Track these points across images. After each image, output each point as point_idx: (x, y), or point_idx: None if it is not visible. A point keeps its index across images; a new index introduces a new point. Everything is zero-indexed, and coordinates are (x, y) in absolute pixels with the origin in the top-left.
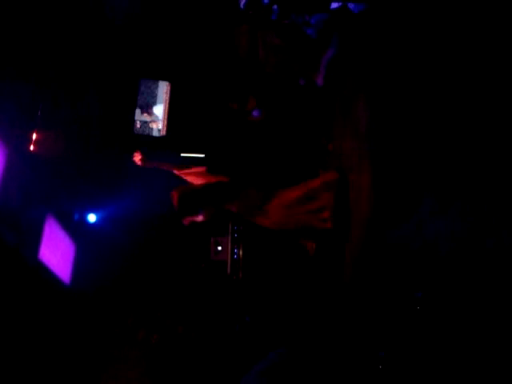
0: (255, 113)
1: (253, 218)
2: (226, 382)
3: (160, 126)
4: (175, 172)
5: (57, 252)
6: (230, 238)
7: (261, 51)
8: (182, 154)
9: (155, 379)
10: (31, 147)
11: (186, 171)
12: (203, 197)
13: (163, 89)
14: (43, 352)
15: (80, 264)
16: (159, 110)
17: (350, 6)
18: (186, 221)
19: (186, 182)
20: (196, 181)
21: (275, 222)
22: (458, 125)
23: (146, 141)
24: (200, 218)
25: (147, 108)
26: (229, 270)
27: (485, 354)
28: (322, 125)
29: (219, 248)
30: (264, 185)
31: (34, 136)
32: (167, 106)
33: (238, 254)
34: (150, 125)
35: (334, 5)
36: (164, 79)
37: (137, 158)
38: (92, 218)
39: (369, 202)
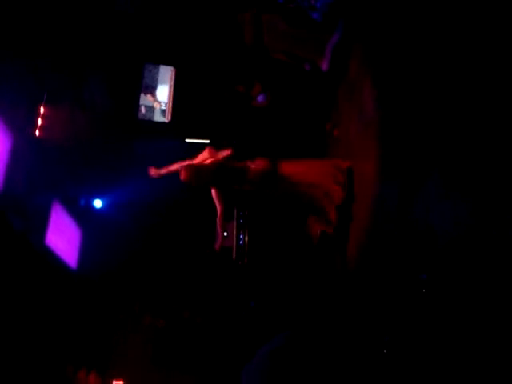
0: (260, 98)
1: (264, 189)
2: (231, 366)
3: (163, 107)
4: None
5: (63, 237)
6: (235, 223)
7: (266, 36)
8: (187, 140)
9: (162, 364)
10: (36, 133)
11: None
12: (213, 174)
13: (168, 73)
14: (50, 337)
15: (86, 249)
16: (164, 93)
17: None
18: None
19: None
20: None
21: (287, 188)
22: (465, 109)
23: (150, 126)
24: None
25: (152, 92)
26: (234, 256)
27: (489, 340)
28: (327, 110)
29: (225, 234)
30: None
31: (40, 121)
32: (172, 91)
33: (244, 240)
34: (155, 105)
35: None
36: (169, 64)
37: (152, 172)
38: (98, 203)
39: (374, 187)
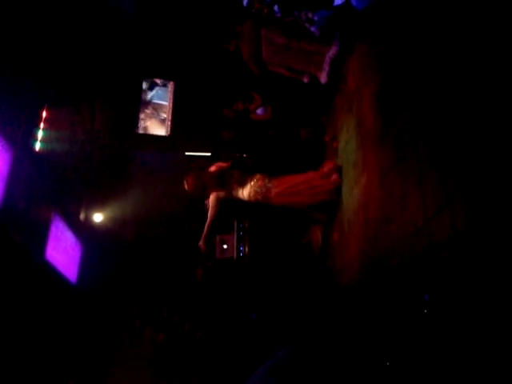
0: (260, 111)
1: (261, 199)
2: (233, 380)
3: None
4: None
5: (63, 252)
6: (235, 235)
7: (264, 49)
8: (187, 153)
9: (162, 378)
10: (37, 147)
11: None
12: (212, 180)
13: (167, 88)
14: (51, 352)
15: (86, 263)
16: (163, 107)
17: (353, 2)
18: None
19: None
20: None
21: (282, 195)
22: (466, 126)
23: (150, 140)
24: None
25: (151, 106)
26: (235, 268)
27: (492, 354)
28: (326, 122)
29: (225, 246)
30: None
31: (40, 135)
32: (171, 105)
33: (244, 252)
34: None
35: (338, 1)
36: (168, 78)
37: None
38: (98, 217)
39: (374, 200)
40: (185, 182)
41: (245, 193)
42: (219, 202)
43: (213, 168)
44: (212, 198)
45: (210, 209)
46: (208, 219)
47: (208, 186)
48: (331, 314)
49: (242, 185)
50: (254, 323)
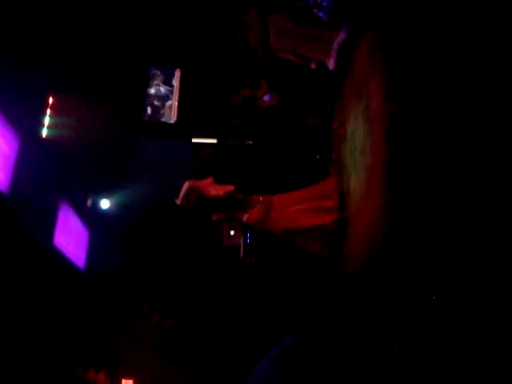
0: (267, 98)
1: (263, 227)
2: (240, 366)
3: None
4: (191, 186)
5: (71, 238)
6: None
7: (272, 35)
8: (194, 140)
9: (170, 363)
10: (44, 133)
11: (198, 184)
12: (213, 206)
13: (174, 74)
14: (59, 337)
15: (94, 249)
16: (170, 94)
17: None
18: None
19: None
20: (207, 191)
21: (283, 223)
22: (474, 112)
23: (157, 127)
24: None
25: (158, 93)
26: (242, 254)
27: (500, 344)
28: (334, 109)
29: (232, 232)
30: (269, 189)
31: (47, 121)
32: (178, 91)
33: (251, 239)
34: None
35: None
36: (174, 65)
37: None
38: (105, 203)
39: (381, 185)
40: (184, 199)
41: (245, 218)
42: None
43: (214, 192)
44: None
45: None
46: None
47: (210, 209)
48: (339, 300)
49: (244, 210)
50: (260, 310)
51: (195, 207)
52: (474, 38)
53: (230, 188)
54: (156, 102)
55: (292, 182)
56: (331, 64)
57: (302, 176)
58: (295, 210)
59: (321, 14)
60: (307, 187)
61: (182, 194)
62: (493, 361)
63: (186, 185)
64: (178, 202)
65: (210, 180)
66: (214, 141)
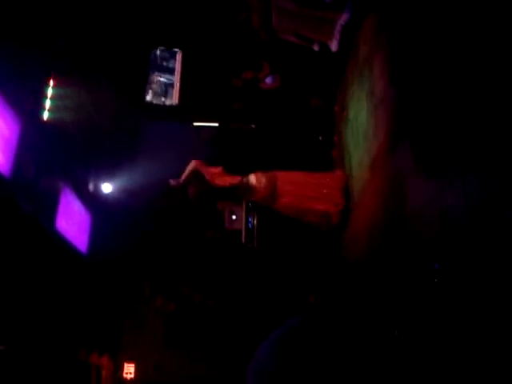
0: (269, 80)
1: (268, 204)
2: (243, 349)
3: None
4: (198, 168)
5: (73, 221)
6: (244, 206)
7: (274, 17)
8: (195, 124)
9: (173, 347)
10: (45, 116)
11: (206, 170)
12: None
13: (175, 56)
14: (62, 321)
15: (96, 233)
16: (171, 76)
17: None
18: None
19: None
20: (213, 179)
21: (285, 207)
22: (476, 91)
23: (158, 109)
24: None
25: (159, 75)
26: (243, 239)
27: (504, 332)
28: (337, 91)
29: (234, 217)
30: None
31: (48, 104)
32: (179, 74)
33: (253, 223)
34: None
35: None
36: (176, 47)
37: (172, 183)
38: (107, 187)
39: (384, 170)
40: (188, 179)
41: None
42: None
43: (220, 182)
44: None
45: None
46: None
47: (213, 198)
48: (342, 283)
49: (247, 197)
50: (262, 292)
51: (196, 192)
52: (480, 19)
53: (237, 179)
54: (158, 85)
55: (294, 164)
56: (334, 46)
57: (304, 158)
58: (302, 191)
59: None
60: (315, 172)
61: (186, 172)
62: (495, 347)
63: (191, 164)
64: (180, 180)
65: (219, 169)
66: (216, 124)
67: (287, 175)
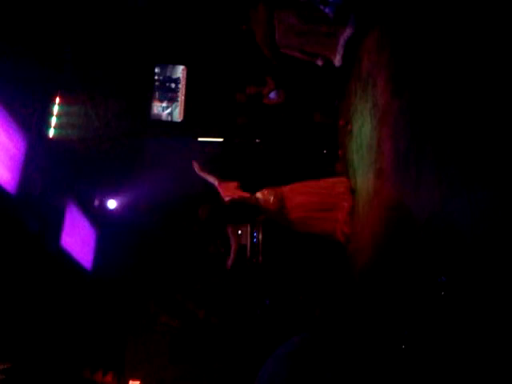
0: (272, 95)
1: (277, 220)
2: (248, 365)
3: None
4: (215, 182)
5: (78, 238)
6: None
7: (277, 32)
8: (200, 139)
9: (178, 364)
10: (51, 133)
11: (223, 184)
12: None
13: (179, 73)
14: (66, 339)
15: (101, 250)
16: (176, 93)
17: None
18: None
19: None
20: (226, 193)
21: (296, 222)
22: (481, 107)
23: (163, 126)
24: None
25: (164, 92)
26: (248, 254)
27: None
28: (340, 105)
29: (239, 232)
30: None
31: (54, 122)
32: (184, 90)
33: (258, 238)
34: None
35: None
36: (180, 63)
37: (195, 167)
38: (112, 204)
39: (390, 183)
40: (200, 213)
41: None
42: (236, 234)
43: (233, 195)
44: (231, 229)
45: (231, 237)
46: (232, 247)
47: (223, 220)
48: (347, 299)
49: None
50: (267, 309)
51: (208, 209)
52: (482, 32)
53: (248, 196)
54: (162, 101)
55: (299, 179)
56: (337, 60)
57: (309, 173)
58: (311, 200)
59: (327, 10)
60: (321, 180)
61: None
62: (504, 363)
63: (210, 177)
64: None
65: (235, 184)
66: (221, 139)
67: (294, 188)
